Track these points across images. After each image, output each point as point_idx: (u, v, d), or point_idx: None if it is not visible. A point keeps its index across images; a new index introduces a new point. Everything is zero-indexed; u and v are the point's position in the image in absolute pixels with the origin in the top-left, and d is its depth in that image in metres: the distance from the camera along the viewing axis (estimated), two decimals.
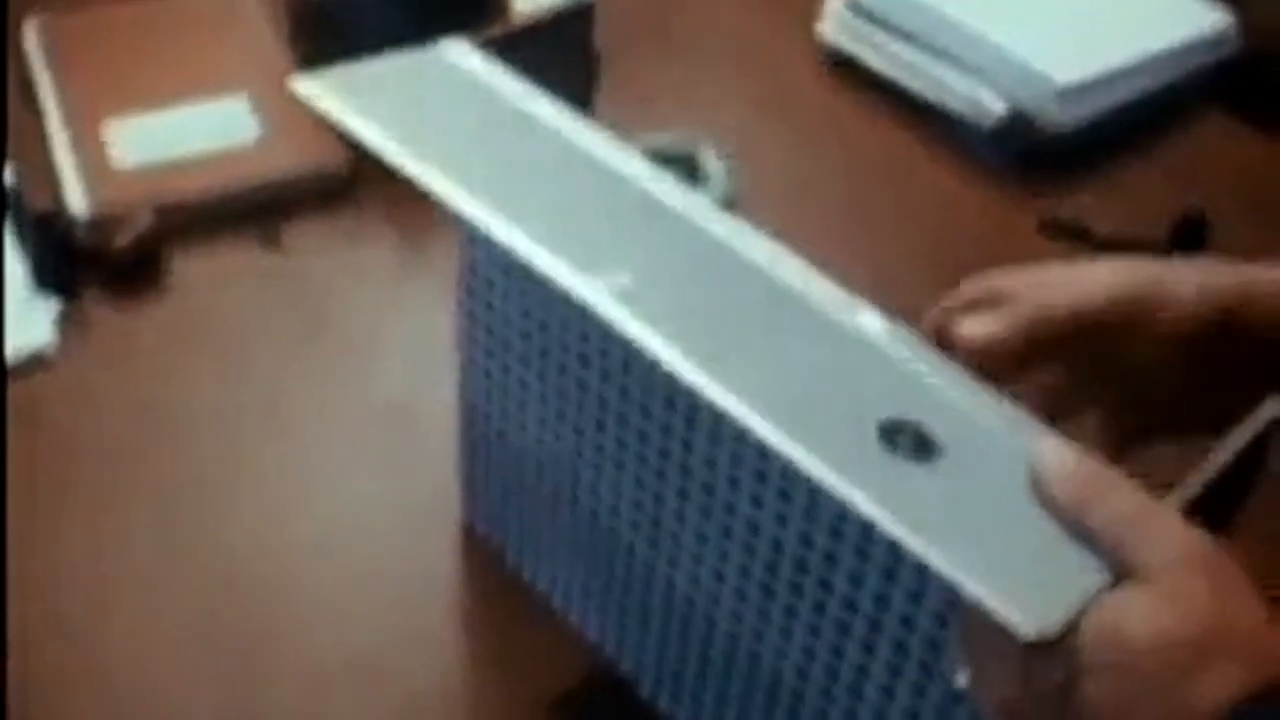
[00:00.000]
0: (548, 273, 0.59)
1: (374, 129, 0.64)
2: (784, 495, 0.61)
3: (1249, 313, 0.65)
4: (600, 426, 0.70)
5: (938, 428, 0.54)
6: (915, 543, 0.49)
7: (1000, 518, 0.52)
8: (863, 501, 0.50)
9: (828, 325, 0.59)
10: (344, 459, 0.89)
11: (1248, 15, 1.20)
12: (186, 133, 1.07)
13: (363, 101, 0.66)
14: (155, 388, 0.92)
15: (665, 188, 0.66)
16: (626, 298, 0.57)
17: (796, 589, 0.63)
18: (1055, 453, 0.53)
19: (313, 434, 0.91)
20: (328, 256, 1.02)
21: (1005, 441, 0.55)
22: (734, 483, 0.63)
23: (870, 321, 0.60)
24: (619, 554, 0.73)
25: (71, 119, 1.07)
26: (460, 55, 0.72)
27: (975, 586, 0.48)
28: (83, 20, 1.16)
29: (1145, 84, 1.16)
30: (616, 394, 0.67)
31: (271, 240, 1.03)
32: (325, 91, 0.66)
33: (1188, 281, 0.65)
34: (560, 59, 1.03)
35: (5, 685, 0.74)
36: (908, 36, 1.18)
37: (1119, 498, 0.50)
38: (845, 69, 1.22)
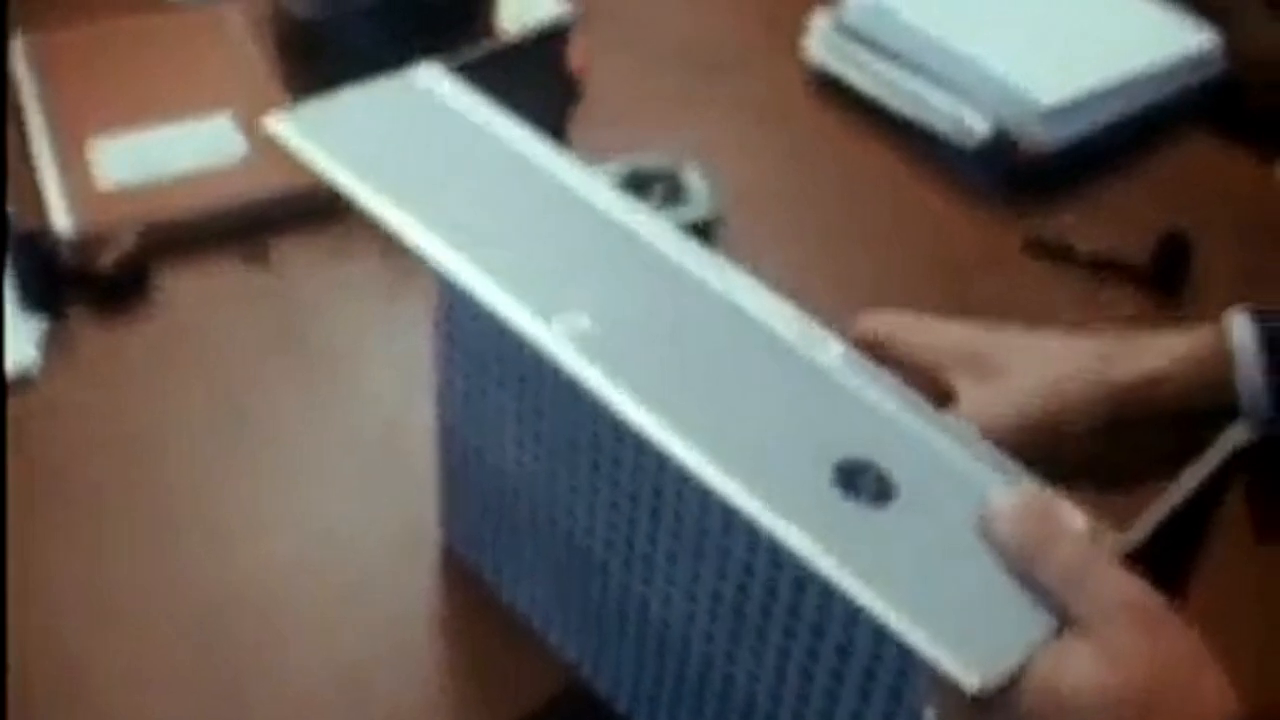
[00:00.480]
0: (504, 317, 0.59)
1: (340, 168, 0.64)
2: (754, 525, 0.61)
3: (1152, 400, 0.67)
4: (574, 448, 0.70)
5: (897, 467, 0.54)
6: (866, 596, 0.50)
7: (953, 563, 0.52)
8: (816, 554, 0.51)
9: (792, 360, 0.59)
10: (330, 477, 0.90)
11: (1232, 36, 1.21)
12: (172, 151, 1.07)
13: (331, 138, 0.66)
14: (141, 406, 0.93)
15: (635, 218, 0.66)
16: (583, 342, 0.58)
17: (767, 613, 0.63)
18: (1004, 497, 0.53)
19: (299, 452, 0.91)
20: (314, 275, 1.03)
21: (965, 481, 0.55)
22: (705, 507, 0.63)
23: (837, 355, 0.60)
24: (594, 575, 0.73)
25: (57, 138, 1.07)
26: (433, 81, 0.72)
27: (921, 640, 0.48)
28: (68, 39, 1.17)
29: (1129, 104, 1.16)
30: (588, 417, 0.68)
31: (258, 259, 1.03)
32: (294, 130, 0.66)
33: (1085, 404, 0.67)
34: (536, 80, 1.03)
35: (5, 700, 0.75)
36: (893, 56, 1.19)
37: (1063, 545, 0.51)
38: (831, 88, 1.22)
